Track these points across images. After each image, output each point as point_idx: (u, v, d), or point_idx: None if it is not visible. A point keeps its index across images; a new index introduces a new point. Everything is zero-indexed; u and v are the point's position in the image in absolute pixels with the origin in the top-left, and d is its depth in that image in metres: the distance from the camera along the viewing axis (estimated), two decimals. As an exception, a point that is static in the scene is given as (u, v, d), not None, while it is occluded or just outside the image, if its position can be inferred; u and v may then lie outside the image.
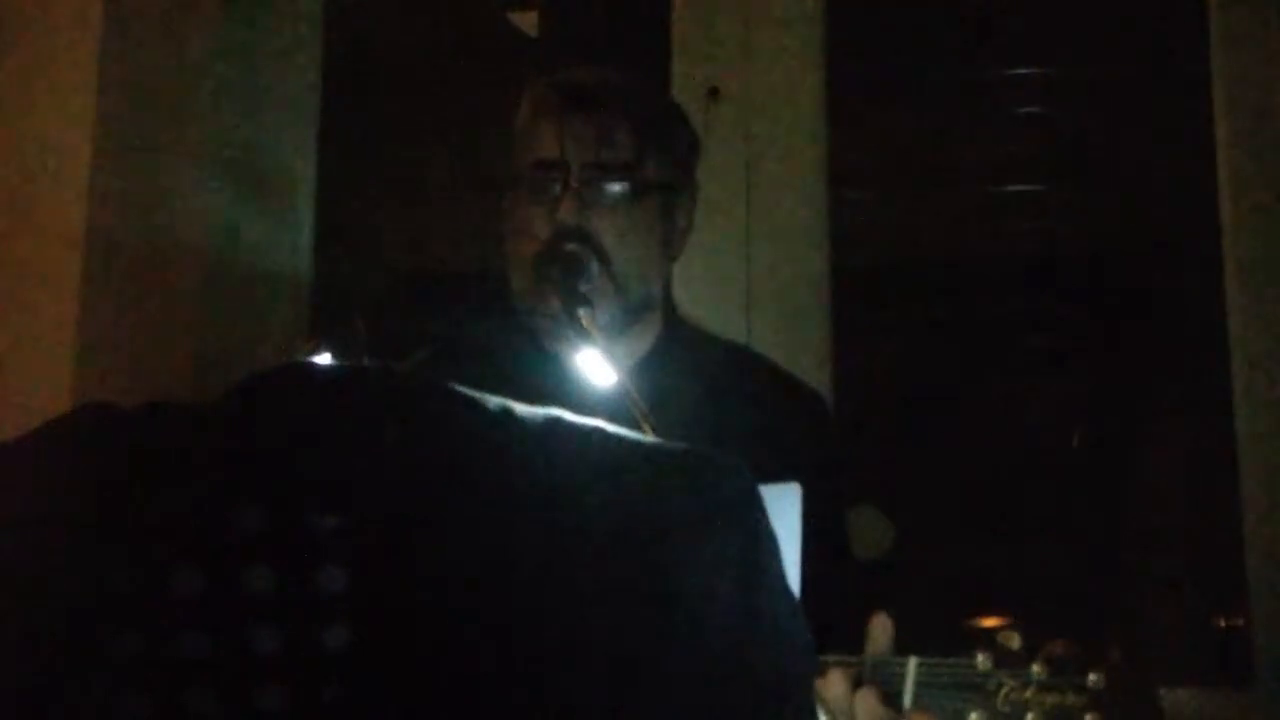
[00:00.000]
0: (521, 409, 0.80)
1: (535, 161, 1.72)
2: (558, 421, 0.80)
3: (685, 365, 1.76)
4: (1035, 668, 1.25)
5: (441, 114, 3.67)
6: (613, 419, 0.84)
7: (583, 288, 1.64)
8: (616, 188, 1.70)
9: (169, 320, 2.48)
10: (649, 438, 1.17)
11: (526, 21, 3.60)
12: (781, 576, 0.83)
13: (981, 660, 1.28)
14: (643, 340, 1.78)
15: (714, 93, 2.77)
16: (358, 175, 3.40)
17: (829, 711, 1.36)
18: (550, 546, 0.75)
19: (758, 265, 2.71)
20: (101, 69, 2.38)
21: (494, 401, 0.79)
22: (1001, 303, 3.60)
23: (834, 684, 1.35)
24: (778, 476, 1.34)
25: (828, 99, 2.80)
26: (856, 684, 1.35)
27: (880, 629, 1.39)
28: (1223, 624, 3.02)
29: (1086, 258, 3.58)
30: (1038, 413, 3.61)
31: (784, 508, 1.38)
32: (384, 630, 0.72)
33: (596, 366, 1.61)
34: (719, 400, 1.71)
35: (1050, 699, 1.25)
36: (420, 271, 3.88)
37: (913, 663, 1.33)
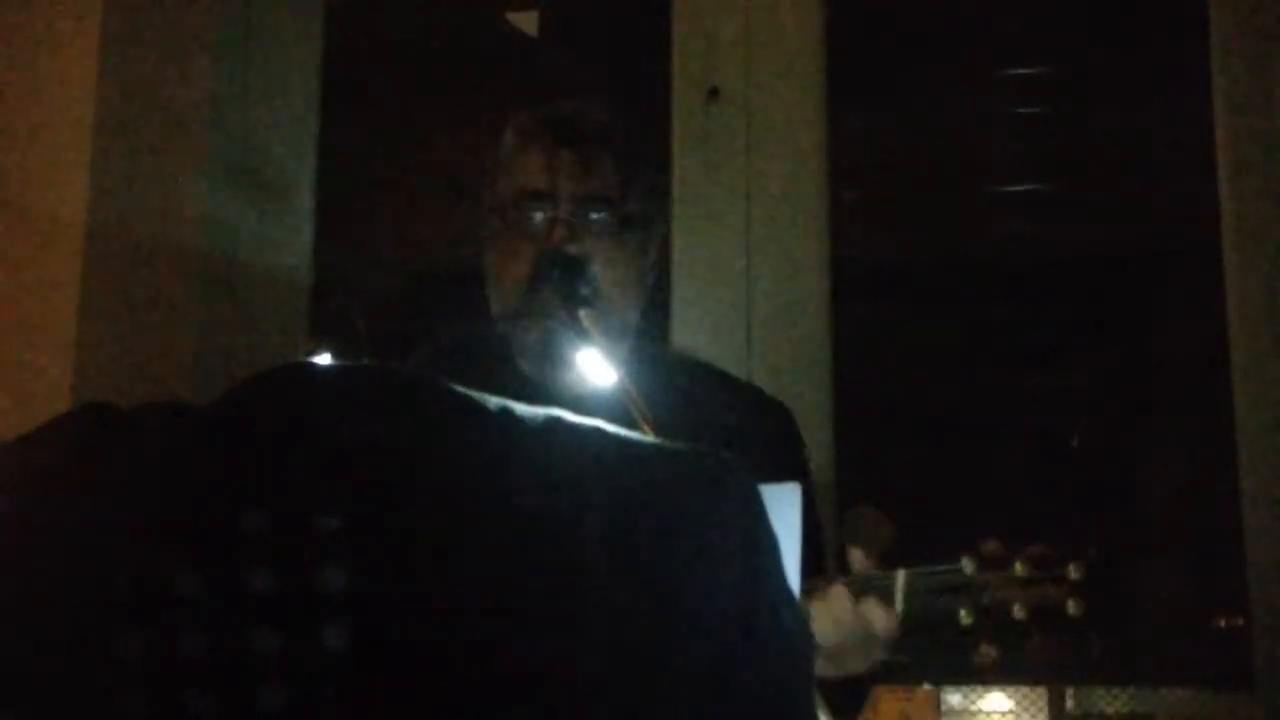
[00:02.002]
0: (521, 409, 0.80)
1: (522, 192, 1.75)
2: (558, 421, 0.80)
3: (651, 379, 1.78)
4: (1017, 566, 1.32)
5: (441, 114, 3.66)
6: (621, 422, 0.84)
7: (583, 290, 1.66)
8: (602, 219, 1.73)
9: (169, 320, 2.47)
10: (649, 438, 1.17)
11: (526, 21, 3.60)
12: (781, 576, 0.83)
13: (966, 564, 1.37)
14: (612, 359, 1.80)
15: (714, 93, 2.77)
16: (358, 175, 3.40)
17: (838, 625, 1.39)
18: (550, 546, 0.75)
19: (758, 265, 2.71)
20: (101, 68, 2.38)
21: (494, 401, 0.79)
22: (1001, 303, 3.60)
23: (837, 597, 1.40)
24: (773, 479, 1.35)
25: (828, 99, 2.80)
26: (857, 595, 1.40)
27: (857, 558, 1.43)
28: (1223, 624, 3.02)
29: (1086, 258, 3.58)
30: (1037, 413, 3.60)
31: (784, 508, 1.38)
32: (384, 630, 0.72)
33: (597, 367, 1.61)
34: (685, 415, 1.73)
35: (1034, 592, 1.35)
36: (420, 271, 3.87)
37: (901, 574, 1.40)
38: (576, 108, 1.81)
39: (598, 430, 0.81)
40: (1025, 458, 3.58)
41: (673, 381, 1.80)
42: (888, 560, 1.47)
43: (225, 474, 0.75)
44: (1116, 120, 3.43)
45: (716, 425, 1.72)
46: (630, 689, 0.74)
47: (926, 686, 2.76)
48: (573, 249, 1.69)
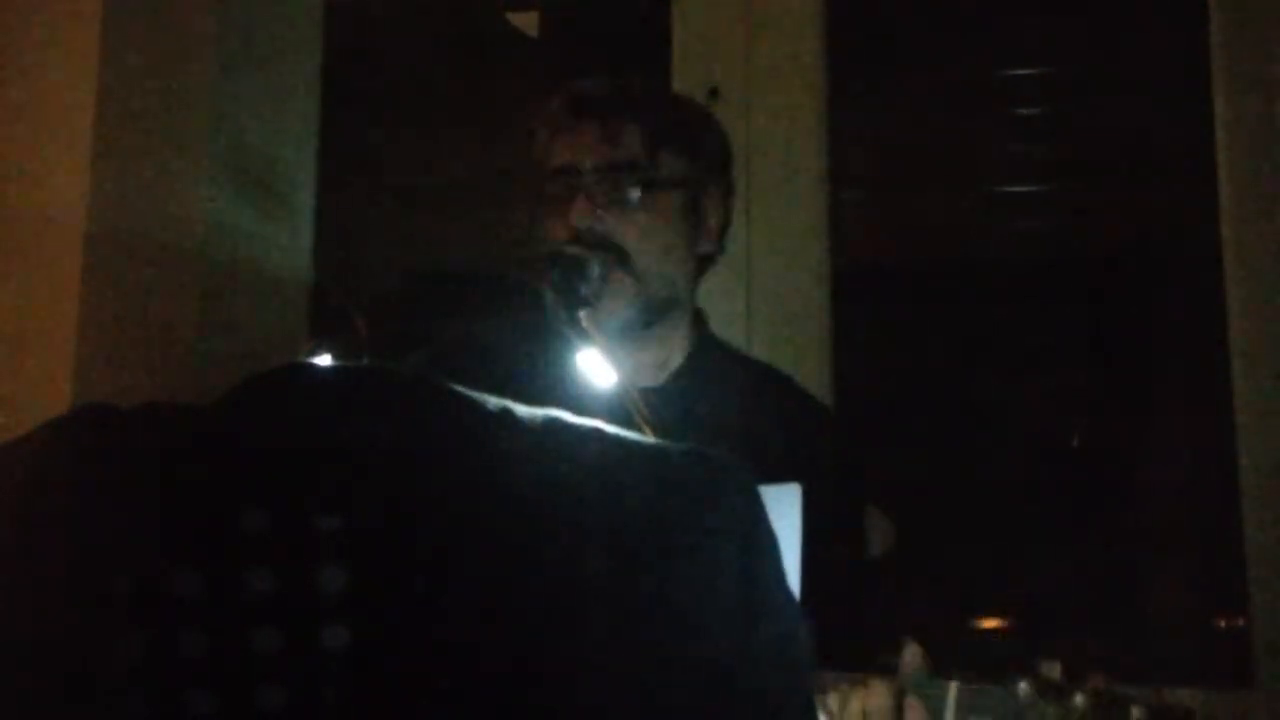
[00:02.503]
0: (521, 409, 0.80)
1: (550, 172, 1.75)
2: (557, 422, 0.80)
3: (717, 384, 1.77)
4: (1078, 699, 1.27)
5: (441, 114, 3.66)
6: (621, 422, 0.84)
7: (583, 290, 1.65)
8: (628, 185, 1.72)
9: (169, 320, 2.47)
10: (649, 438, 1.17)
11: (526, 21, 3.60)
12: (781, 576, 0.83)
13: (1023, 689, 1.29)
14: (673, 352, 1.79)
15: (714, 93, 2.77)
16: (358, 175, 3.40)
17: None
18: (550, 546, 0.75)
19: (758, 265, 2.71)
20: (101, 68, 2.38)
21: (494, 402, 0.79)
22: (1001, 303, 3.60)
23: (877, 694, 1.36)
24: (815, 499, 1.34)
25: (828, 99, 2.80)
26: (900, 695, 1.36)
27: (911, 655, 1.39)
28: (1223, 624, 3.02)
29: (1086, 258, 3.58)
30: (1038, 413, 3.60)
31: (784, 508, 1.38)
32: (384, 630, 0.72)
33: (597, 367, 1.61)
34: (750, 420, 1.72)
35: None
36: (420, 271, 3.87)
37: (953, 687, 1.34)
38: (598, 82, 1.81)
39: (597, 430, 0.81)
40: (1025, 457, 3.58)
41: (733, 386, 1.79)
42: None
43: (225, 474, 0.75)
44: (1116, 120, 3.42)
45: (773, 435, 1.71)
46: (629, 688, 0.74)
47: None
48: (574, 249, 1.69)
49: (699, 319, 1.85)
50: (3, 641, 0.75)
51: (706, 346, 1.83)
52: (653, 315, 1.74)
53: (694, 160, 1.81)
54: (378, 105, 3.54)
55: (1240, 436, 2.51)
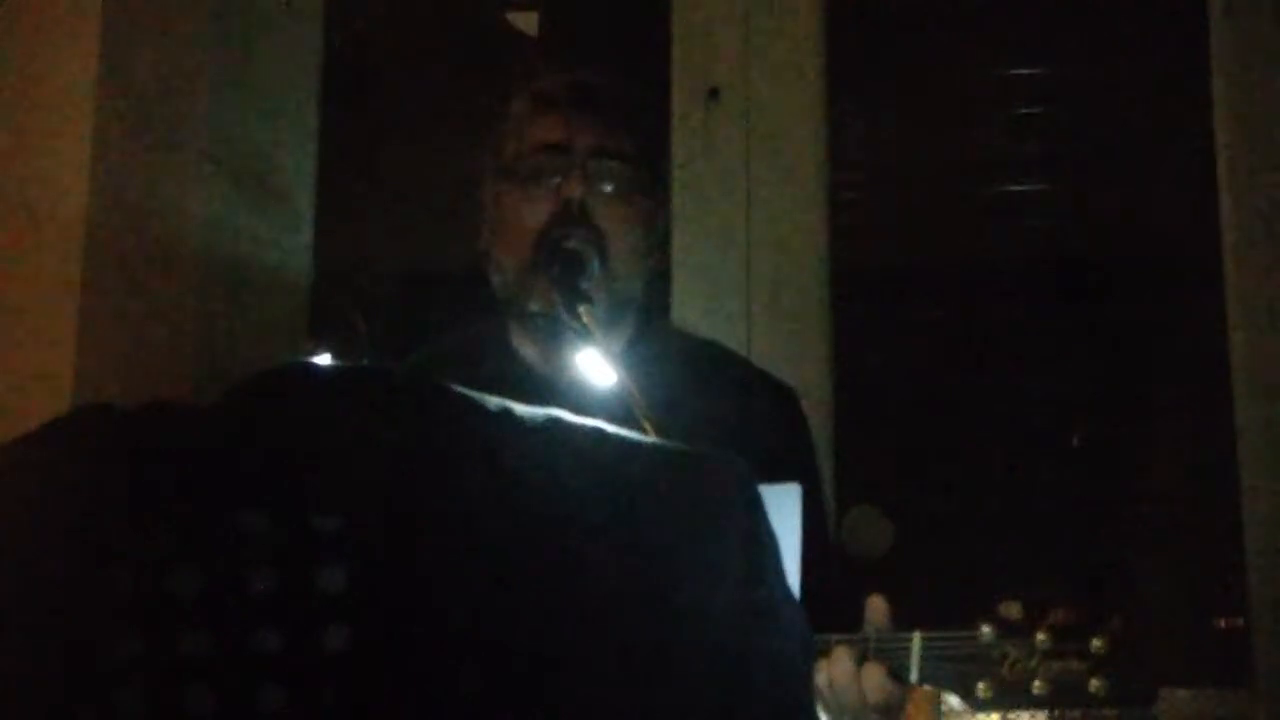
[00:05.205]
0: (521, 409, 0.80)
1: (538, 146, 1.74)
2: (557, 421, 0.80)
3: (658, 359, 1.77)
4: (1039, 636, 1.27)
5: (440, 114, 3.66)
6: (609, 419, 0.84)
7: (583, 285, 1.65)
8: (620, 173, 1.73)
9: (169, 320, 2.47)
10: (649, 438, 1.17)
11: (526, 21, 3.60)
12: (781, 575, 0.83)
13: (985, 631, 1.31)
14: (618, 338, 1.79)
15: (714, 93, 2.77)
16: (358, 175, 3.40)
17: (835, 688, 1.36)
18: (550, 546, 0.75)
19: (758, 265, 2.71)
20: (101, 69, 2.38)
21: (494, 401, 0.79)
22: (1001, 303, 3.60)
23: (839, 661, 1.37)
24: (761, 472, 1.35)
25: (828, 99, 2.80)
26: (861, 660, 1.36)
27: (876, 608, 1.40)
28: (1223, 624, 3.02)
29: (1086, 258, 3.58)
30: (1037, 413, 3.61)
31: (784, 507, 1.38)
32: (384, 630, 0.72)
33: (596, 366, 1.61)
34: (691, 393, 1.72)
35: (1055, 666, 1.28)
36: (420, 271, 3.87)
37: (917, 637, 1.35)
38: (592, 74, 1.82)
39: (597, 430, 0.81)
40: (1026, 457, 3.59)
41: (677, 363, 1.79)
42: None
43: (225, 474, 0.75)
44: (1116, 120, 3.43)
45: (719, 410, 1.71)
46: (630, 688, 0.74)
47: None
48: (572, 244, 1.68)
49: (645, 311, 1.86)
50: (3, 640, 0.75)
51: (648, 328, 1.84)
52: (614, 313, 1.74)
53: (661, 177, 1.84)
54: (377, 105, 3.55)
55: (1240, 437, 2.51)
